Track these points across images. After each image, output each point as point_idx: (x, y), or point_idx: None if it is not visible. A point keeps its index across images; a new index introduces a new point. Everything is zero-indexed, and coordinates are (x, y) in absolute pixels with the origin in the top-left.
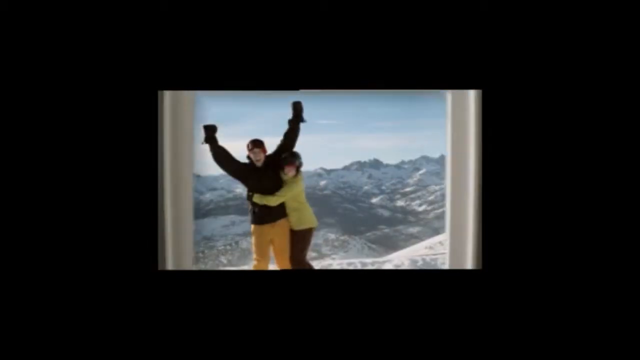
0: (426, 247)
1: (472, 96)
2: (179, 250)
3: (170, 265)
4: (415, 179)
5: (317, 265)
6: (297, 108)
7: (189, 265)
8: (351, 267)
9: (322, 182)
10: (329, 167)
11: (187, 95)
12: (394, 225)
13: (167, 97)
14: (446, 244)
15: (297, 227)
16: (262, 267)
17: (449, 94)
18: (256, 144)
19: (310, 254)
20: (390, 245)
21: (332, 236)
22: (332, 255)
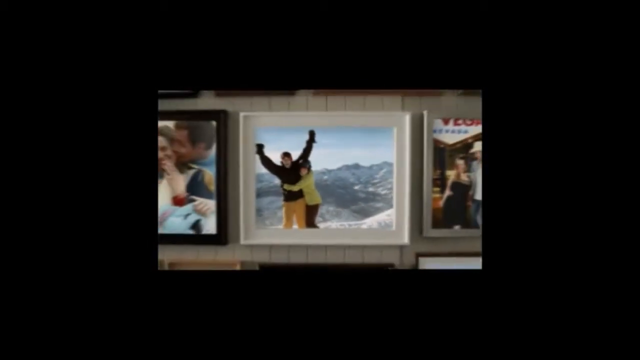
0: (386, 215)
1: (407, 129)
2: (248, 216)
3: (242, 225)
4: (380, 174)
5: (321, 225)
6: (311, 134)
7: (252, 224)
8: (342, 228)
9: (325, 177)
10: (329, 168)
11: (251, 128)
12: (368, 202)
13: (241, 130)
14: (393, 214)
15: (309, 203)
16: (288, 227)
17: (395, 128)
18: (286, 154)
19: (317, 219)
20: (366, 214)
21: (331, 208)
22: (331, 220)
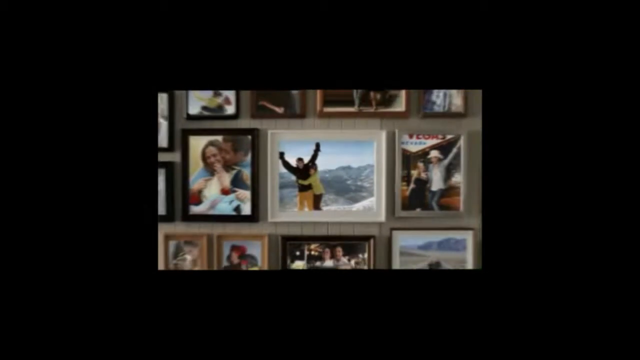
0: (369, 201)
1: (383, 142)
2: (273, 202)
3: (269, 208)
4: (365, 173)
5: (324, 208)
6: (317, 145)
7: (276, 207)
8: (339, 210)
9: (327, 175)
10: (330, 168)
11: (275, 141)
12: (356, 192)
13: (269, 142)
14: (374, 200)
15: (316, 193)
16: (301, 209)
17: (375, 141)
18: (300, 159)
19: (321, 204)
20: (355, 200)
21: (331, 197)
22: (331, 204)
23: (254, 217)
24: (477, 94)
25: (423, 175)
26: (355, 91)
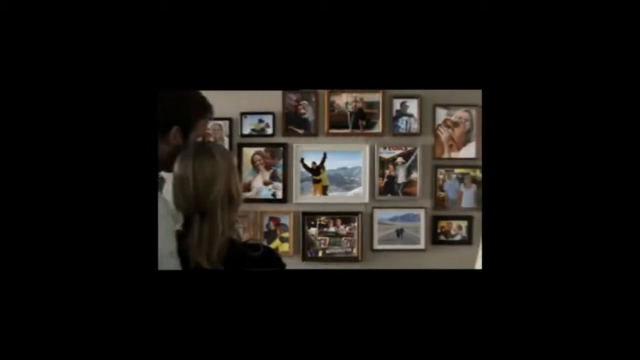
0: (358, 190)
1: (367, 152)
2: (297, 190)
3: (294, 193)
4: (355, 172)
5: (329, 194)
6: (325, 154)
7: (299, 193)
8: (338, 195)
9: (331, 173)
10: (332, 169)
11: (298, 151)
12: (350, 184)
13: (294, 152)
14: (361, 189)
15: (324, 185)
16: (315, 195)
17: (361, 150)
18: (313, 163)
19: (328, 192)
20: (349, 189)
21: (334, 187)
22: (333, 192)
23: (285, 200)
24: (427, 120)
25: (392, 173)
26: (349, 119)
